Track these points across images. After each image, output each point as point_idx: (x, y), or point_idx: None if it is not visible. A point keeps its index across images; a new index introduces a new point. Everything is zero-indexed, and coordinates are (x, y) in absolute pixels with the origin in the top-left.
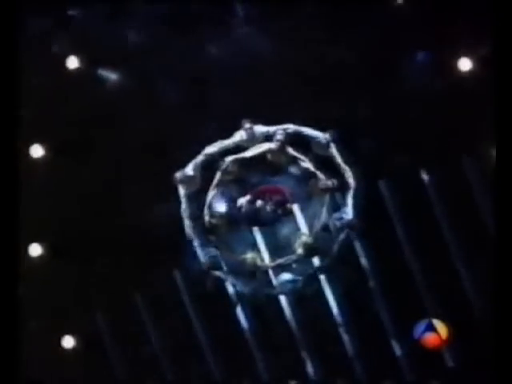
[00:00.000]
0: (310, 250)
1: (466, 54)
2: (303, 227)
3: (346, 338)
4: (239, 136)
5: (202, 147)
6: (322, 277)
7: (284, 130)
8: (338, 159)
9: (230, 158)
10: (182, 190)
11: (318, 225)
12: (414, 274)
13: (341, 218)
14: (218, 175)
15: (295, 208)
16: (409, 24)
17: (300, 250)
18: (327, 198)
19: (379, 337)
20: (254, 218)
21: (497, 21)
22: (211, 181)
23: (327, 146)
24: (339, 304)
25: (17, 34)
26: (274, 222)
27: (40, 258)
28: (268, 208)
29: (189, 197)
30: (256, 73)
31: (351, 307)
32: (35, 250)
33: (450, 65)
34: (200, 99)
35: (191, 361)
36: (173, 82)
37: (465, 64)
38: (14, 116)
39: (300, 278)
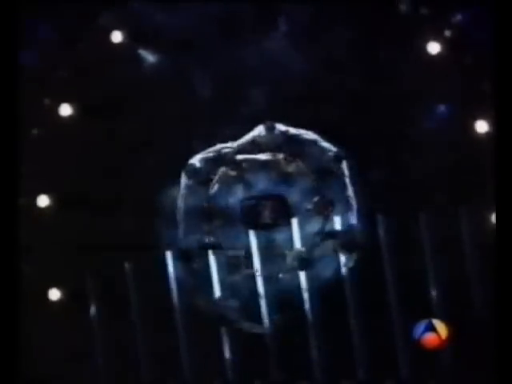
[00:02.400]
0: (299, 264)
1: (482, 117)
2: (297, 241)
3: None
4: (258, 131)
5: (220, 141)
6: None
7: (302, 135)
8: (346, 178)
9: (241, 157)
10: (188, 179)
11: (311, 241)
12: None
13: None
14: (226, 171)
15: (294, 221)
16: (435, 75)
17: (289, 262)
18: (328, 217)
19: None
20: (251, 221)
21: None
22: (219, 175)
23: (339, 162)
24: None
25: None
26: (270, 229)
27: (47, 208)
28: (267, 214)
29: (194, 186)
30: (287, 80)
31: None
32: (43, 200)
33: (465, 123)
34: (230, 96)
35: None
36: (206, 74)
37: (481, 125)
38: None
39: None
